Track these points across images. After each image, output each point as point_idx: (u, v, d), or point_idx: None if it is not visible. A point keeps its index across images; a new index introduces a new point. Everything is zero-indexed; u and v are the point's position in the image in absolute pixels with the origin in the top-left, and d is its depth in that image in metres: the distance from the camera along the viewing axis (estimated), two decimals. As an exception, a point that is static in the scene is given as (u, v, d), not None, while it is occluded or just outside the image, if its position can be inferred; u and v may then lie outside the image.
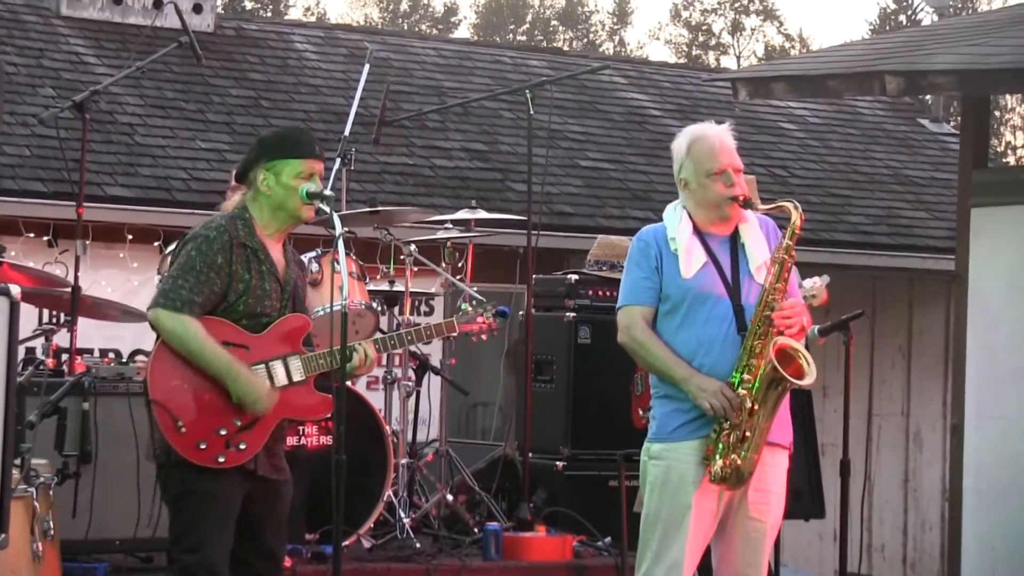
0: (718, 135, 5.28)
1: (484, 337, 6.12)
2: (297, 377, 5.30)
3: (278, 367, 5.29)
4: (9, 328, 4.12)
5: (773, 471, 5.23)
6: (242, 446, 5.21)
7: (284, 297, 5.34)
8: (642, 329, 5.21)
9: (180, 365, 5.20)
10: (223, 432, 5.19)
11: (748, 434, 5.08)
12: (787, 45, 40.84)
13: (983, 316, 8.46)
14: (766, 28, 41.58)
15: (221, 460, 5.18)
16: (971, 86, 8.38)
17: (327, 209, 5.27)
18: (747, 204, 5.25)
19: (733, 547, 5.24)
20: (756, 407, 5.08)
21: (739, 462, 5.08)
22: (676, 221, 5.26)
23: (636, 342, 5.22)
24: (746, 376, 5.10)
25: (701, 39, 41.52)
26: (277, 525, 5.37)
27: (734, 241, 5.28)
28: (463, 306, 6.09)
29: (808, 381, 5.12)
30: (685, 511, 5.14)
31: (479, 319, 6.07)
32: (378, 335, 5.83)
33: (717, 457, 5.09)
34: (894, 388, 12.82)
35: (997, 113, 30.52)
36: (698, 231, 5.24)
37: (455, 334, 6.13)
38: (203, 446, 5.17)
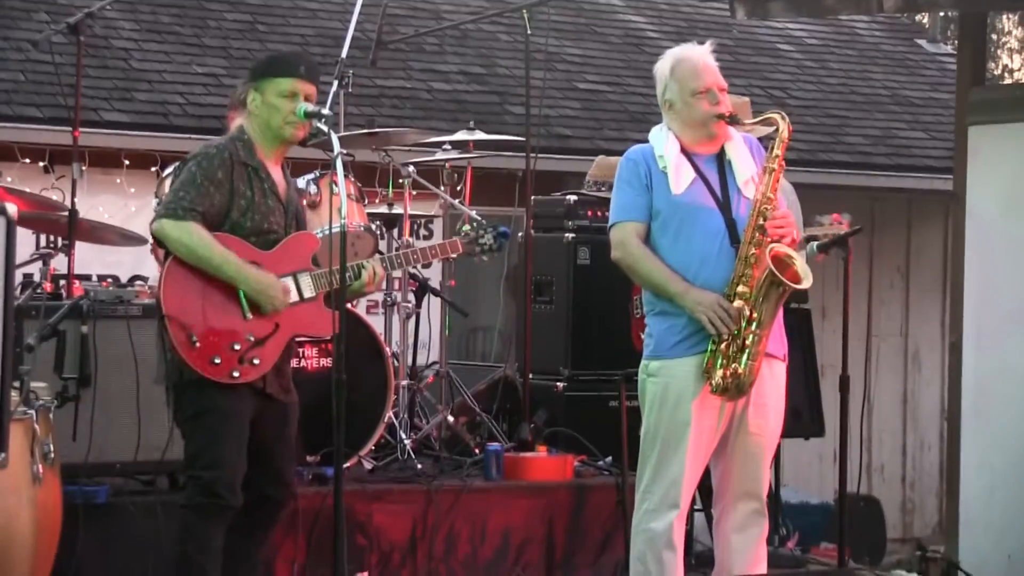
0: (701, 55, 5.33)
1: (486, 258, 6.13)
2: (308, 294, 5.37)
3: (289, 283, 5.35)
4: (6, 248, 4.11)
5: (771, 384, 5.27)
6: (256, 361, 5.27)
7: (288, 216, 5.39)
8: (636, 245, 5.23)
9: (192, 280, 5.24)
10: (237, 347, 5.25)
11: (748, 342, 5.13)
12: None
13: (980, 234, 8.44)
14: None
15: (236, 375, 5.23)
16: (968, 3, 8.32)
17: (325, 128, 5.28)
18: (733, 120, 5.30)
19: (734, 464, 5.29)
20: (754, 314, 5.12)
21: (740, 370, 5.12)
22: (663, 141, 5.30)
23: (632, 257, 5.24)
24: (741, 288, 5.13)
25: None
26: (286, 447, 5.42)
27: (721, 159, 5.32)
28: (464, 227, 6.09)
29: (806, 284, 5.17)
30: (684, 428, 5.18)
31: (480, 241, 6.09)
32: (385, 250, 5.87)
33: (717, 369, 5.12)
34: (893, 308, 12.84)
35: (994, 36, 30.34)
36: (685, 151, 5.28)
37: (459, 253, 6.13)
38: (217, 360, 5.23)
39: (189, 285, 5.25)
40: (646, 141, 5.41)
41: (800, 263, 5.18)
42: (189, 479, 5.34)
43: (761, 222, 5.16)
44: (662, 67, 5.36)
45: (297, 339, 5.63)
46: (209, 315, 5.25)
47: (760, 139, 5.52)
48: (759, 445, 5.29)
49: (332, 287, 5.36)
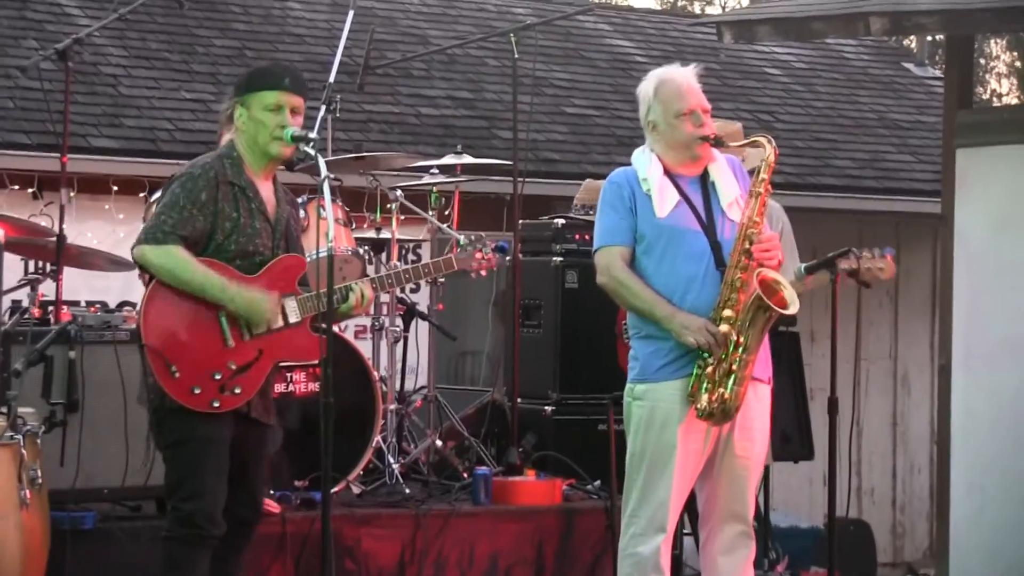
0: (685, 76, 5.31)
1: (483, 273, 6.03)
2: (293, 319, 5.27)
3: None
4: (-7, 271, 4.12)
5: (756, 407, 5.26)
6: (237, 390, 5.19)
7: (276, 236, 5.30)
8: (622, 269, 5.22)
9: (174, 308, 5.16)
10: (218, 376, 5.17)
11: (734, 368, 5.10)
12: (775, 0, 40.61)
13: (969, 257, 8.46)
14: (753, -23, 41.46)
15: (216, 405, 5.15)
16: (955, 26, 8.35)
17: (311, 152, 5.24)
18: (717, 142, 5.29)
19: (720, 487, 5.27)
20: (741, 339, 5.11)
21: (726, 395, 5.10)
22: (646, 163, 5.28)
23: (616, 282, 5.23)
24: (727, 312, 5.12)
25: (688, -10, 41.31)
26: (260, 470, 5.38)
27: (704, 181, 5.30)
28: (461, 241, 6.00)
29: (792, 310, 5.15)
30: (671, 451, 5.16)
31: (477, 255, 5.98)
32: (373, 274, 5.79)
33: (702, 393, 5.11)
34: (882, 331, 12.85)
35: (983, 61, 30.46)
36: (668, 173, 5.26)
37: (453, 270, 6.02)
38: (197, 391, 5.14)
39: (169, 312, 5.17)
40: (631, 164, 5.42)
41: (788, 289, 5.17)
42: (170, 510, 5.27)
43: (747, 246, 5.15)
44: (645, 88, 5.34)
45: (282, 365, 5.59)
46: (189, 343, 5.17)
47: (749, 171, 5.49)
48: (745, 468, 5.28)
49: (319, 311, 5.29)
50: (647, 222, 5.21)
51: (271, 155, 5.29)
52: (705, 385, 5.11)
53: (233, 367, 5.19)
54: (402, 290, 7.84)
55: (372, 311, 7.50)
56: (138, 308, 5.33)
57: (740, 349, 5.11)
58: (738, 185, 5.31)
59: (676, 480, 5.17)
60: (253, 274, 5.25)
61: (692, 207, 5.24)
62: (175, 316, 5.18)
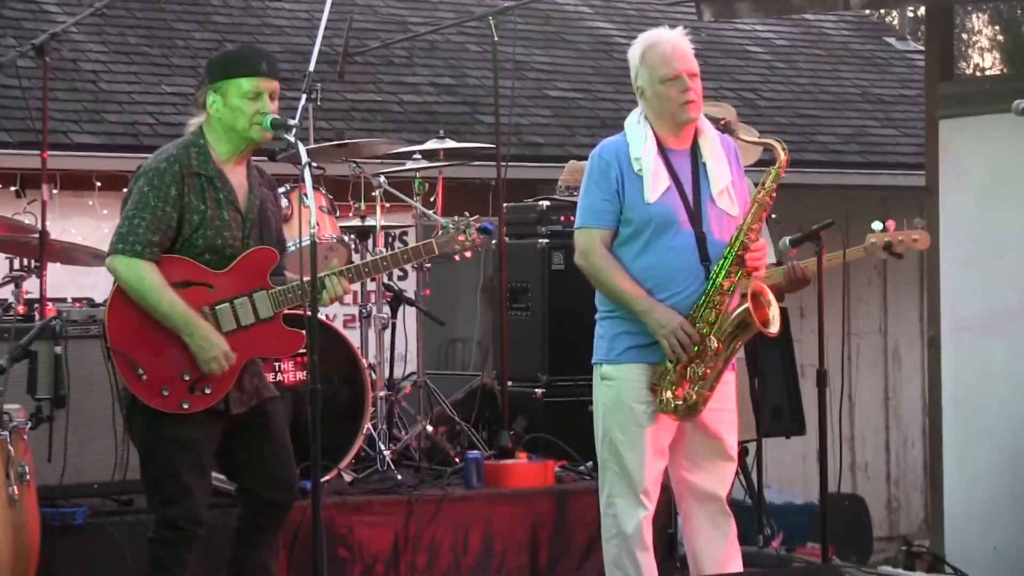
0: (671, 40, 5.19)
1: (468, 255, 5.74)
2: (265, 314, 5.16)
3: (243, 305, 5.15)
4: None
5: (723, 389, 5.19)
6: (207, 390, 5.11)
7: (246, 226, 5.19)
8: (601, 254, 5.12)
9: (137, 310, 5.08)
10: (187, 376, 5.09)
11: (708, 372, 5.04)
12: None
13: (955, 228, 8.46)
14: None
15: (185, 406, 5.08)
16: (935, -3, 8.35)
17: (291, 139, 5.18)
18: (727, 130, 5.20)
19: (692, 467, 5.23)
20: (720, 347, 5.04)
21: (694, 396, 5.04)
22: (641, 139, 5.14)
23: (595, 268, 5.14)
24: (708, 313, 5.04)
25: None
26: (276, 449, 5.24)
27: (695, 158, 5.19)
28: (446, 224, 5.71)
29: (773, 330, 5.09)
30: (640, 430, 5.12)
31: (459, 237, 5.67)
32: (352, 264, 5.62)
33: (666, 386, 5.04)
34: (871, 306, 12.85)
35: (965, 36, 30.47)
36: (661, 149, 5.14)
37: (434, 254, 5.71)
38: (166, 392, 5.07)
39: (134, 315, 5.09)
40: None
41: (774, 307, 5.10)
42: (153, 512, 5.23)
43: (741, 252, 5.07)
44: (633, 53, 5.22)
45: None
46: (156, 344, 5.08)
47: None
48: (716, 447, 5.22)
49: (290, 303, 5.17)
50: (634, 206, 5.10)
51: (251, 139, 5.19)
52: (670, 378, 5.05)
53: None
54: (389, 277, 7.79)
55: (359, 299, 7.49)
56: (103, 310, 5.23)
57: (718, 356, 5.05)
58: (731, 170, 5.20)
59: (648, 457, 5.12)
60: (223, 268, 5.14)
61: (682, 192, 5.12)
62: (140, 317, 5.09)
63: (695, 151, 5.21)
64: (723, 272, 5.06)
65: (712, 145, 5.21)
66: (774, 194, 5.15)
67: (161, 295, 5.05)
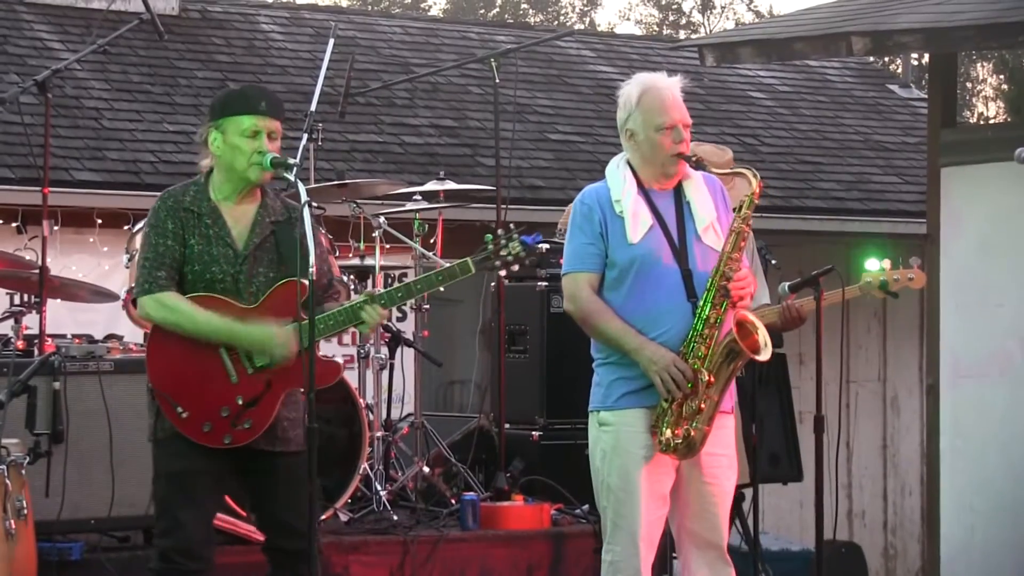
0: (669, 87, 5.15)
1: (516, 268, 5.43)
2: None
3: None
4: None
5: (721, 433, 5.14)
6: (247, 424, 5.10)
7: (238, 261, 5.17)
8: (588, 297, 5.08)
9: (175, 349, 5.10)
10: (226, 412, 5.09)
11: (703, 406, 5.00)
12: (757, 22, 40.76)
13: (955, 275, 8.47)
14: (736, 6, 41.53)
15: (227, 441, 5.09)
16: (937, 44, 8.37)
17: (291, 178, 5.18)
18: (699, 166, 5.13)
19: (690, 514, 5.17)
20: (712, 379, 5.02)
21: (692, 432, 4.98)
22: (620, 182, 5.11)
23: (583, 312, 5.10)
24: (698, 347, 5.01)
25: (671, 19, 41.46)
26: (287, 497, 5.18)
27: (678, 198, 5.16)
28: (487, 237, 5.32)
29: (764, 356, 5.03)
30: (638, 477, 5.06)
31: (501, 253, 5.32)
32: (379, 290, 5.41)
33: (665, 427, 5.01)
34: (870, 353, 12.85)
35: (969, 84, 30.58)
36: (642, 189, 5.11)
37: (471, 273, 5.31)
38: (207, 428, 5.08)
39: (171, 352, 5.11)
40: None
41: (762, 332, 5.07)
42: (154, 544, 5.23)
43: (724, 283, 5.03)
44: (628, 94, 5.17)
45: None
46: (193, 382, 5.09)
47: (734, 208, 5.37)
48: (713, 494, 5.17)
49: (323, 335, 5.17)
50: (618, 248, 5.06)
51: (249, 180, 5.22)
52: (668, 418, 5.01)
53: (241, 401, 5.09)
54: (388, 318, 7.74)
55: (358, 340, 7.49)
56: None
57: (712, 389, 5.02)
58: (714, 206, 5.17)
59: (645, 506, 5.07)
60: (251, 305, 5.14)
61: (666, 231, 5.09)
62: (177, 356, 5.11)
63: (678, 191, 5.18)
64: (708, 305, 5.04)
65: (696, 184, 5.18)
66: (750, 222, 5.10)
67: (195, 315, 5.08)
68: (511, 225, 5.44)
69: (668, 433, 5.00)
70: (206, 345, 5.11)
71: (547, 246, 7.92)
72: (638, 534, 5.07)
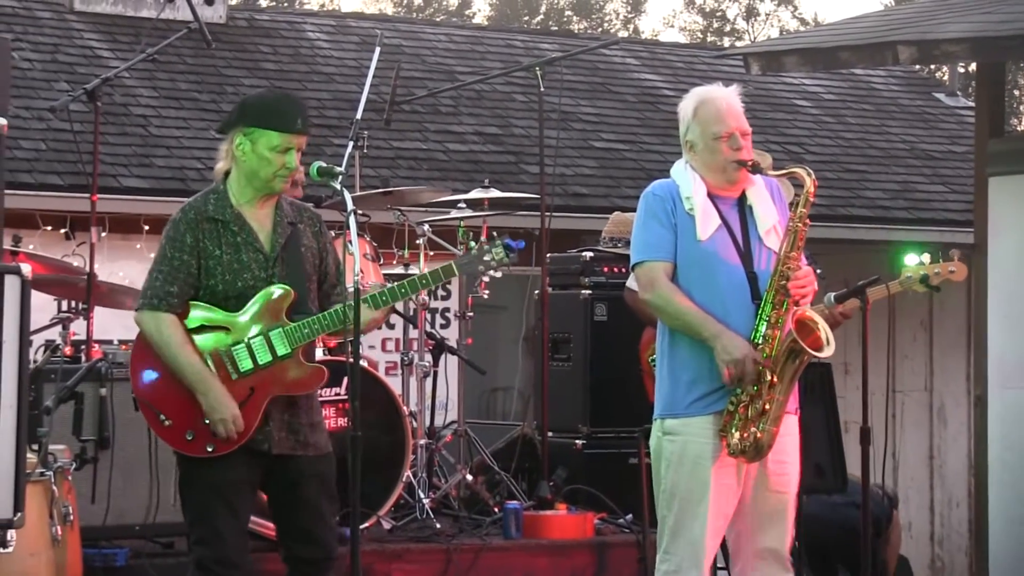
0: (725, 97, 5.20)
1: (499, 274, 5.57)
2: (282, 351, 5.17)
3: (260, 343, 5.17)
4: (21, 306, 4.13)
5: (787, 440, 5.16)
6: None
7: (269, 265, 5.20)
8: (666, 284, 5.08)
9: (159, 357, 5.16)
10: (208, 420, 5.12)
11: (767, 407, 5.01)
12: (802, 30, 40.63)
13: (1003, 285, 8.41)
14: (781, 13, 41.42)
15: (210, 449, 5.11)
16: (984, 53, 8.32)
17: (337, 186, 5.21)
18: (756, 169, 5.16)
19: (756, 522, 5.15)
20: (775, 379, 5.03)
21: (759, 435, 5.01)
22: (689, 181, 5.15)
23: (661, 298, 5.08)
24: (762, 347, 5.04)
25: (716, 25, 41.36)
26: (310, 505, 5.22)
27: (742, 204, 5.19)
28: (471, 244, 5.48)
29: (827, 353, 5.05)
30: (704, 487, 5.06)
31: (484, 258, 5.42)
32: (373, 291, 5.41)
33: (734, 430, 5.03)
34: (917, 363, 12.77)
35: (1016, 92, 30.39)
36: (709, 194, 5.16)
37: (454, 275, 5.46)
38: (190, 437, 5.12)
39: (155, 362, 5.17)
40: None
41: (824, 329, 5.08)
42: (190, 552, 5.26)
43: (783, 282, 5.06)
44: (685, 107, 5.22)
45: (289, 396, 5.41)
46: (177, 390, 5.14)
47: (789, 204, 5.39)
48: (781, 502, 5.17)
49: (307, 340, 5.19)
50: (687, 244, 5.09)
51: (273, 191, 5.24)
52: (736, 422, 5.04)
53: None
54: (432, 326, 7.76)
55: (402, 347, 7.50)
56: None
57: (776, 390, 5.03)
58: (776, 210, 5.20)
59: (711, 516, 5.07)
60: (239, 311, 5.17)
61: (731, 233, 5.13)
62: (161, 364, 5.16)
63: (742, 198, 5.23)
64: (769, 305, 5.07)
65: (757, 190, 5.23)
66: (807, 220, 5.12)
67: (178, 352, 5.12)
68: (494, 233, 5.56)
69: (736, 436, 5.02)
70: (190, 351, 5.14)
71: (590, 254, 7.98)
72: (701, 544, 5.06)
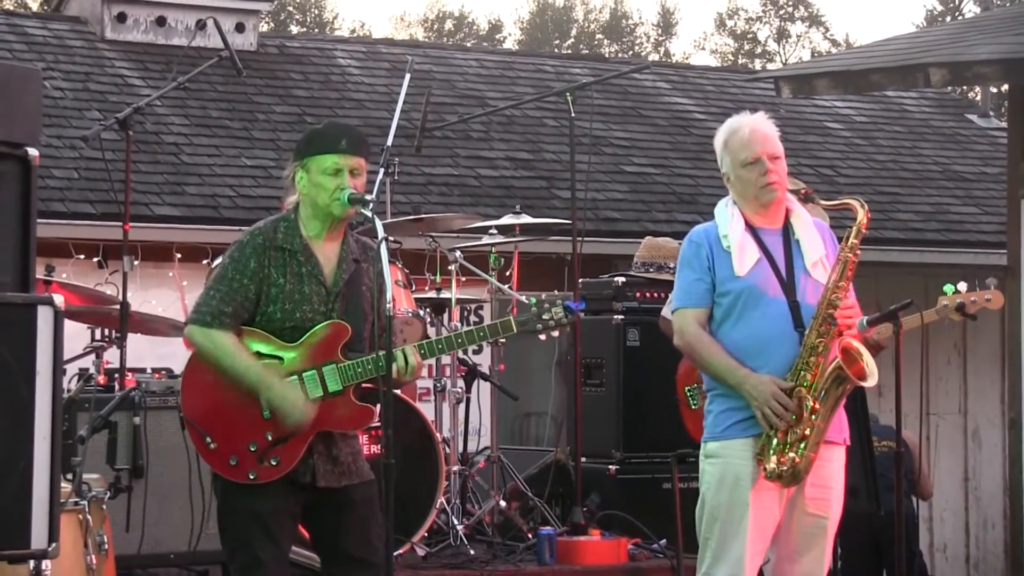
0: (750, 124, 5.27)
1: (556, 333, 5.45)
2: (333, 388, 5.14)
3: (312, 378, 5.15)
4: (54, 337, 4.14)
5: (831, 467, 5.18)
6: (274, 461, 5.11)
7: (330, 300, 5.21)
8: (694, 331, 5.19)
9: (210, 380, 5.14)
10: (254, 447, 5.10)
11: (807, 432, 5.03)
12: (833, 51, 40.61)
13: (1037, 307, 8.38)
14: (812, 34, 41.44)
15: (252, 476, 5.09)
16: (1016, 75, 8.31)
17: (368, 213, 5.21)
18: (808, 198, 5.25)
19: (794, 546, 5.17)
20: (817, 406, 5.04)
21: (796, 460, 5.03)
22: (727, 218, 5.24)
23: (689, 346, 5.23)
24: (805, 375, 5.06)
25: (747, 47, 41.40)
26: (357, 531, 5.18)
27: (787, 235, 5.25)
28: (531, 301, 5.39)
29: (870, 383, 5.08)
30: (744, 509, 5.09)
31: (544, 316, 5.35)
32: (424, 340, 5.56)
33: (771, 454, 5.04)
34: (951, 386, 12.71)
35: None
36: (750, 227, 5.22)
37: (512, 333, 5.35)
38: (234, 462, 5.10)
39: (206, 385, 5.15)
40: (695, 223, 5.40)
41: (868, 359, 5.09)
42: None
43: (830, 311, 5.09)
44: (717, 141, 5.33)
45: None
46: (226, 414, 5.12)
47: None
48: (820, 527, 5.18)
49: (360, 379, 5.16)
50: (726, 281, 5.17)
51: (334, 216, 5.25)
52: (774, 446, 5.05)
53: (270, 438, 5.11)
54: (465, 352, 7.77)
55: (434, 373, 7.51)
56: (179, 380, 5.29)
57: (816, 416, 5.05)
58: (824, 246, 5.25)
59: (751, 538, 5.09)
60: (296, 341, 5.15)
61: (773, 264, 5.19)
62: (212, 388, 5.14)
63: (787, 229, 5.28)
64: (814, 333, 5.10)
65: (804, 223, 5.28)
66: (858, 251, 5.15)
67: (234, 357, 5.11)
68: (555, 292, 5.40)
69: (774, 460, 5.04)
70: (247, 355, 5.13)
71: (623, 279, 7.98)
72: (741, 565, 5.08)
